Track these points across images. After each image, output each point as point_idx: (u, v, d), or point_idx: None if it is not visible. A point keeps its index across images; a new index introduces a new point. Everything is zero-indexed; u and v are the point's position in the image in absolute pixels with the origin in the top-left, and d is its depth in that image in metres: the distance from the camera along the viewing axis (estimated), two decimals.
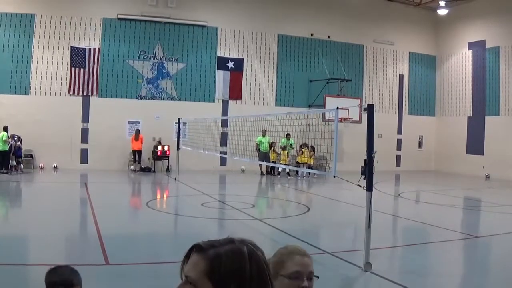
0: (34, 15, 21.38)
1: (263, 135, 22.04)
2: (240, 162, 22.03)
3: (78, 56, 22.02)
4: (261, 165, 22.60)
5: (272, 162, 21.83)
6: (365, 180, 7.46)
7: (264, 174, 23.01)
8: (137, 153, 22.23)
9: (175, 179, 18.89)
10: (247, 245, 1.43)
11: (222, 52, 24.48)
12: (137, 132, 22.26)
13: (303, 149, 22.41)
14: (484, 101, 25.56)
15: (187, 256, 1.44)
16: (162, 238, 10.00)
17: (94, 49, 22.27)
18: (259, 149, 22.10)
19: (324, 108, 22.19)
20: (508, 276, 7.59)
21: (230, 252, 1.39)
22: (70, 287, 2.63)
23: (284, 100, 25.40)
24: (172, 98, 23.59)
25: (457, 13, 26.53)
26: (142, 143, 22.31)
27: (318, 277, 2.33)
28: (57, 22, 21.72)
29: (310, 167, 21.99)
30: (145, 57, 23.17)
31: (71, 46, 21.93)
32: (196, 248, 1.43)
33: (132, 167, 22.32)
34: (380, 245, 8.68)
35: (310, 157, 22.44)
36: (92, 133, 22.31)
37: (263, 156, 21.82)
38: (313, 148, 21.86)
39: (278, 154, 22.52)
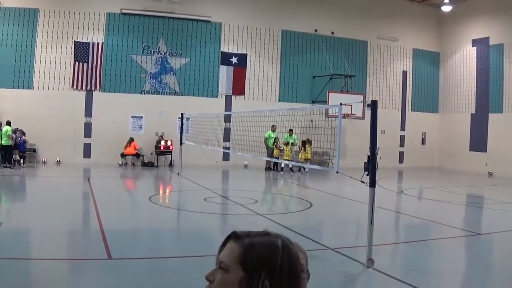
0: (37, 10, 21.39)
1: (273, 131, 22.03)
2: (243, 158, 22.05)
3: (81, 51, 22.03)
4: (267, 161, 22.53)
5: (275, 157, 21.80)
6: (368, 176, 7.45)
7: (267, 170, 23.00)
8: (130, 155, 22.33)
9: (178, 174, 18.90)
10: (282, 239, 1.47)
11: (225, 47, 24.46)
12: (131, 140, 22.28)
13: (306, 145, 22.33)
14: (487, 98, 25.49)
15: (224, 244, 1.49)
16: (165, 233, 10.01)
17: (98, 43, 22.27)
18: (267, 145, 22.11)
19: (328, 104, 22.14)
20: (511, 274, 7.58)
21: (265, 242, 1.44)
22: None
23: (287, 96, 25.37)
24: (175, 93, 23.59)
25: (461, 10, 26.44)
26: (135, 148, 22.32)
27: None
28: (61, 16, 21.73)
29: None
30: (149, 52, 23.17)
31: (74, 41, 21.94)
32: (233, 236, 1.48)
33: (119, 161, 22.26)
34: (382, 241, 8.69)
35: (306, 152, 22.33)
36: (95, 127, 22.34)
37: (272, 152, 21.89)
38: (304, 143, 21.97)
39: (281, 150, 22.49)
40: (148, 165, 22.47)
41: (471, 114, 26.53)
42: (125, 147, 22.17)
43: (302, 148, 22.33)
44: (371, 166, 7.41)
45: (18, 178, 17.89)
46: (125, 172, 20.90)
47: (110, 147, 22.17)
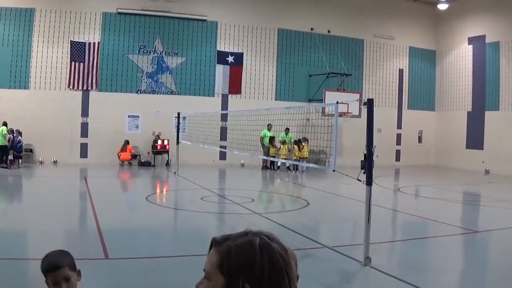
0: (34, 9, 21.33)
1: (269, 129, 22.02)
2: (239, 156, 22.05)
3: (78, 50, 21.98)
4: (264, 159, 22.52)
5: (272, 156, 21.82)
6: (365, 174, 7.46)
7: (263, 169, 22.99)
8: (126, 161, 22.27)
9: (175, 173, 18.89)
10: (260, 237, 1.44)
11: (222, 46, 24.44)
12: (126, 143, 22.13)
13: (303, 144, 22.40)
14: (484, 96, 25.54)
15: (209, 251, 1.49)
16: (162, 233, 10.00)
17: (94, 43, 22.23)
18: (263, 144, 22.12)
19: (324, 102, 22.16)
20: (508, 271, 7.60)
21: (241, 244, 1.42)
22: (58, 269, 2.68)
23: (284, 95, 25.37)
24: (171, 92, 23.57)
25: (457, 7, 26.49)
26: (131, 151, 22.24)
27: None
28: (57, 16, 21.68)
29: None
30: (145, 51, 23.13)
31: (71, 40, 21.89)
32: (213, 243, 1.47)
33: (120, 162, 22.19)
34: (379, 239, 8.69)
35: (300, 150, 22.50)
36: (91, 127, 22.30)
37: (267, 150, 21.90)
38: (300, 141, 22.22)
39: (278, 149, 22.51)
40: (145, 164, 22.45)
41: (468, 112, 26.58)
42: (121, 150, 22.09)
43: (294, 146, 22.48)
44: (367, 164, 7.42)
45: (13, 178, 17.85)
46: (122, 171, 20.87)
47: (107, 147, 22.13)
